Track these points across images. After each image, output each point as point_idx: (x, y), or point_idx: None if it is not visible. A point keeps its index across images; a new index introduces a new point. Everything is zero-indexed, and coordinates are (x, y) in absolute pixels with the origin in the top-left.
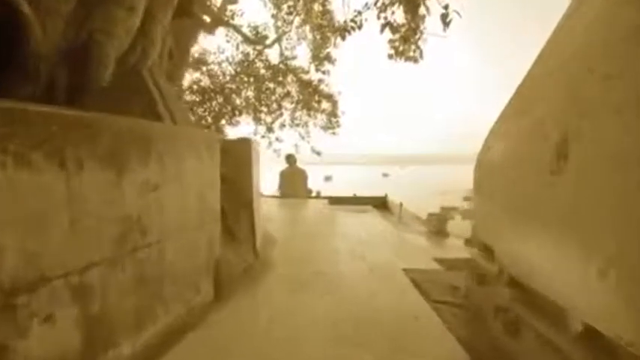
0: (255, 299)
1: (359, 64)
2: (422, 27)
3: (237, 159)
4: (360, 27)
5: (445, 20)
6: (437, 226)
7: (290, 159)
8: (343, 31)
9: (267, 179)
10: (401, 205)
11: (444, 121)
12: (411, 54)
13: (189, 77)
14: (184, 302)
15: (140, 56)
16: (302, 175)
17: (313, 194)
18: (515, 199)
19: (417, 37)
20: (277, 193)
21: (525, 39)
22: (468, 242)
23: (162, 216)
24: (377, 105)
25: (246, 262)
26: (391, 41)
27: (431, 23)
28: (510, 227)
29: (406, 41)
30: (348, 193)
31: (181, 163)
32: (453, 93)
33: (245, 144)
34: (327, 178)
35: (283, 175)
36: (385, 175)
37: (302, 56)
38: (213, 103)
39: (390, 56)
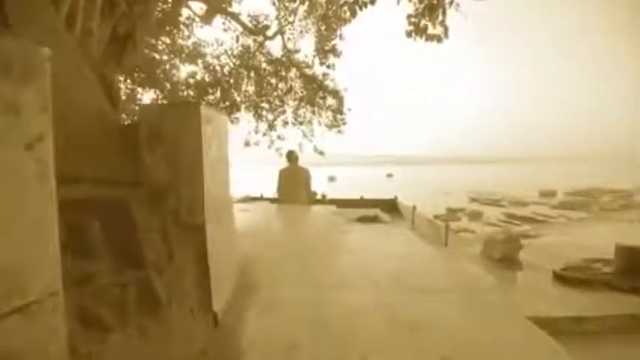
0: None
1: (358, 67)
2: None
3: (176, 145)
4: (372, 2)
5: None
6: (504, 250)
7: (291, 156)
8: (354, 4)
9: (267, 181)
10: (414, 208)
11: (458, 122)
12: (435, 31)
13: (184, 70)
14: None
15: None
16: (304, 175)
17: (318, 196)
18: None
19: (446, 3)
20: (277, 196)
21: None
22: (561, 278)
23: None
24: (380, 103)
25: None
26: (411, 16)
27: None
28: None
29: (431, 12)
30: (352, 195)
31: None
32: (472, 90)
33: (189, 116)
34: (331, 179)
35: (282, 176)
36: (389, 175)
37: (305, 51)
38: (210, 97)
39: (409, 34)
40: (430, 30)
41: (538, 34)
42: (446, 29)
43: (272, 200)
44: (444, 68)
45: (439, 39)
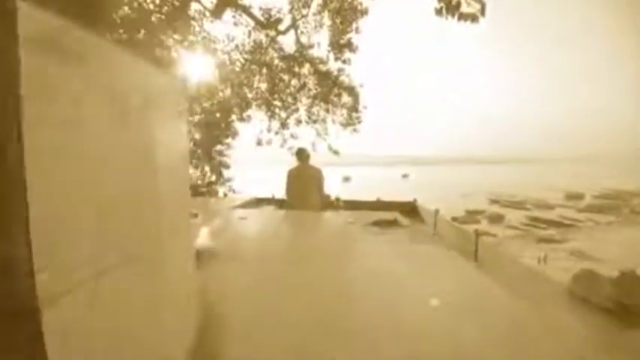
0: None
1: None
2: None
3: None
4: None
5: None
6: (617, 295)
7: (302, 154)
8: None
9: (279, 181)
10: (437, 212)
11: (466, 121)
12: (469, 9)
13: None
14: None
15: None
16: (316, 176)
17: (332, 199)
18: None
19: None
20: (286, 198)
21: (568, 35)
22: None
23: None
24: (395, 103)
25: None
26: None
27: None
28: None
29: None
30: (367, 196)
31: None
32: (486, 92)
33: None
34: (346, 179)
35: (291, 176)
36: (405, 176)
37: (320, 46)
38: (220, 94)
39: (439, 11)
40: (464, 7)
41: (541, 31)
42: (483, 6)
43: (280, 203)
44: (450, 65)
45: (474, 18)
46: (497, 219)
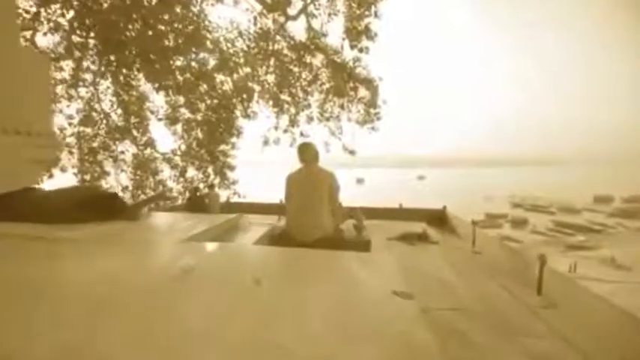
0: None
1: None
2: None
3: None
4: None
5: None
6: None
7: (306, 152)
8: None
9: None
10: (475, 225)
11: (488, 120)
12: None
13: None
14: None
15: None
16: (327, 183)
17: (346, 214)
18: None
19: None
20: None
21: (573, 31)
22: None
23: None
24: (409, 100)
25: None
26: None
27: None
28: None
29: None
30: (384, 199)
31: None
32: (498, 89)
33: None
34: (359, 181)
35: (292, 183)
36: (421, 177)
37: (334, 35)
38: (222, 87)
39: None
40: None
41: (563, 25)
42: None
43: (279, 211)
44: (466, 62)
45: None
46: (520, 223)
